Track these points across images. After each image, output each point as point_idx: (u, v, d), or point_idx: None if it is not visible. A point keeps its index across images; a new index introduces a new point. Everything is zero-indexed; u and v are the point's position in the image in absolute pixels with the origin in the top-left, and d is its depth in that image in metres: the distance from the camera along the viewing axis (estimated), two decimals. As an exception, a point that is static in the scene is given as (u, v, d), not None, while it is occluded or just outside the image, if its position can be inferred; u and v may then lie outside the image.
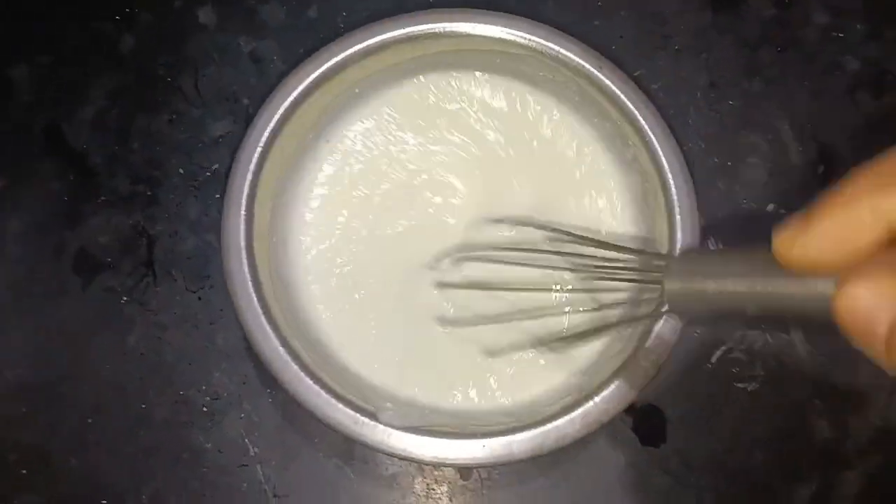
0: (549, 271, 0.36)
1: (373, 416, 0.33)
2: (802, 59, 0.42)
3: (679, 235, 0.35)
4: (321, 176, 0.38)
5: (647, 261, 0.33)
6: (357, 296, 0.37)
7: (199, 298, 0.39)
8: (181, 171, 0.40)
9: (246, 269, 0.34)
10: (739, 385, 0.38)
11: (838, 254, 0.19)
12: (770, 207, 0.40)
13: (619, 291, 0.35)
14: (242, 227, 0.35)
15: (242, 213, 0.35)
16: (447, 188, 0.38)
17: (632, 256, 0.32)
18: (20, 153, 0.41)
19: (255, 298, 0.34)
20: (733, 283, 0.23)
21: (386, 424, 0.33)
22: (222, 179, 0.40)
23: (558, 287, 0.37)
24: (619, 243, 0.33)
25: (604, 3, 0.43)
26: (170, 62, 0.42)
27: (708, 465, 0.37)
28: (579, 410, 0.33)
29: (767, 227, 0.40)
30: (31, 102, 0.41)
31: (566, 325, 0.36)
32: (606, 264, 0.32)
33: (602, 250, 0.32)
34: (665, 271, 0.26)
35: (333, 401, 0.33)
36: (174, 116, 0.41)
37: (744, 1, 0.43)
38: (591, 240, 0.33)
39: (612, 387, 0.33)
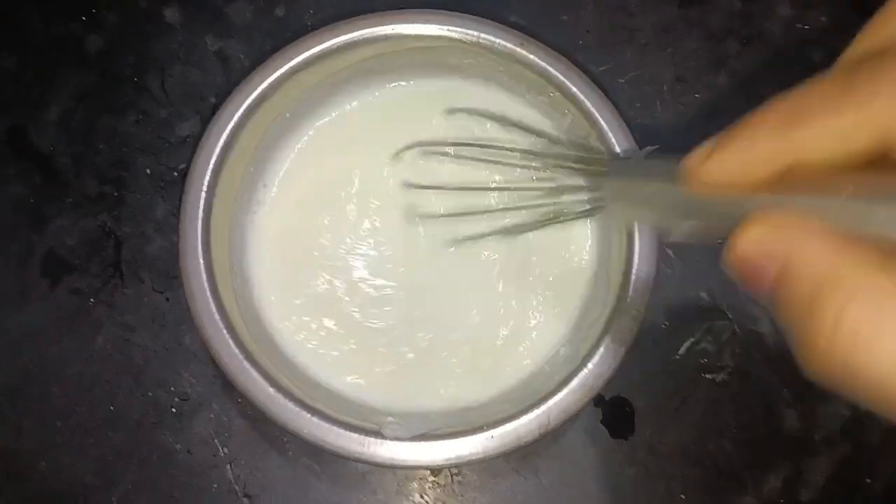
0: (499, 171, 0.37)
1: (377, 433, 0.33)
2: (768, 51, 0.43)
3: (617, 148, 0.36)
4: (277, 177, 0.39)
5: (591, 158, 0.34)
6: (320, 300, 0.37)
7: (167, 299, 0.39)
8: (148, 171, 0.40)
9: (205, 280, 0.34)
10: (708, 376, 0.39)
11: (741, 181, 0.19)
12: (737, 199, 0.41)
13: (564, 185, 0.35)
14: (199, 229, 0.34)
15: (200, 214, 0.35)
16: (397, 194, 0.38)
17: (578, 153, 0.34)
18: (-15, 156, 0.41)
19: (222, 328, 0.33)
20: (662, 186, 0.23)
21: (393, 439, 0.33)
22: (189, 179, 0.40)
23: (511, 185, 0.37)
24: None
25: (570, -2, 0.43)
26: (136, 62, 0.42)
27: (677, 455, 0.38)
28: (576, 380, 0.33)
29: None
30: (-4, 104, 0.41)
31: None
32: (554, 160, 0.34)
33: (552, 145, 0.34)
34: (608, 167, 0.28)
35: (339, 429, 0.33)
36: (141, 117, 0.41)
37: (709, -5, 0.43)
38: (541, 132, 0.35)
39: (602, 349, 0.33)
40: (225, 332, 0.33)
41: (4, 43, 0.42)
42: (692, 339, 0.39)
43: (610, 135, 0.36)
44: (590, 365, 0.33)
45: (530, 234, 0.37)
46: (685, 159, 0.21)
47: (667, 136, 0.41)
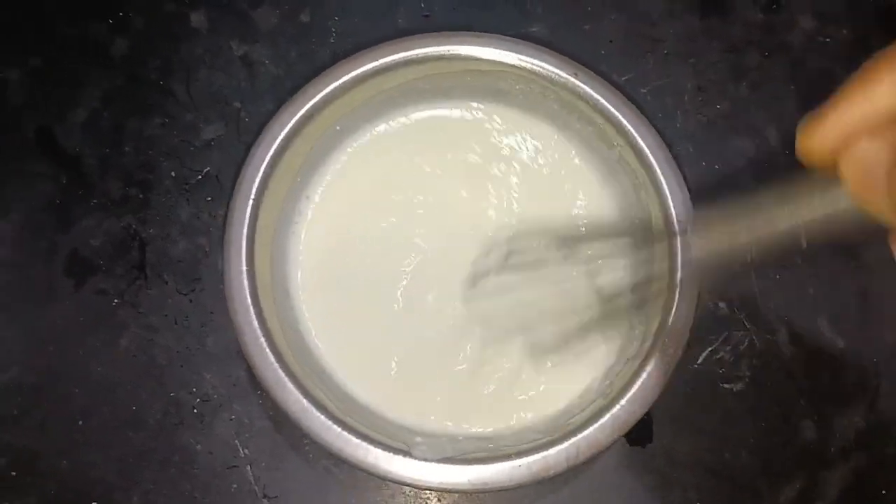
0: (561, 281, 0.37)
1: (406, 453, 0.33)
2: (789, 63, 0.43)
3: (675, 218, 0.36)
4: (318, 197, 0.39)
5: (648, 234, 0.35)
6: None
7: (191, 301, 0.40)
8: (173, 174, 0.41)
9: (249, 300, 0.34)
10: (725, 385, 0.39)
11: (855, 133, 0.21)
12: (757, 210, 0.41)
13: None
14: (244, 239, 0.35)
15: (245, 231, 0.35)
16: (440, 214, 0.39)
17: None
18: (12, 155, 0.42)
19: (258, 328, 0.34)
20: (760, 218, 0.25)
21: (421, 460, 0.33)
22: (214, 182, 0.41)
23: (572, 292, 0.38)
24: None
25: (593, 7, 0.44)
26: (162, 66, 0.43)
27: (694, 464, 0.38)
28: (608, 416, 0.34)
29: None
30: (23, 105, 0.42)
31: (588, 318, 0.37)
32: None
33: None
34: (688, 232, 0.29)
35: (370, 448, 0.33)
36: (166, 120, 0.42)
37: (731, 6, 0.44)
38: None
39: (639, 382, 0.34)
40: (263, 340, 0.34)
41: (31, 44, 0.43)
42: (710, 349, 0.40)
43: (656, 167, 0.36)
44: (623, 402, 0.34)
45: (573, 272, 0.37)
46: (801, 130, 0.22)
47: (687, 146, 0.42)
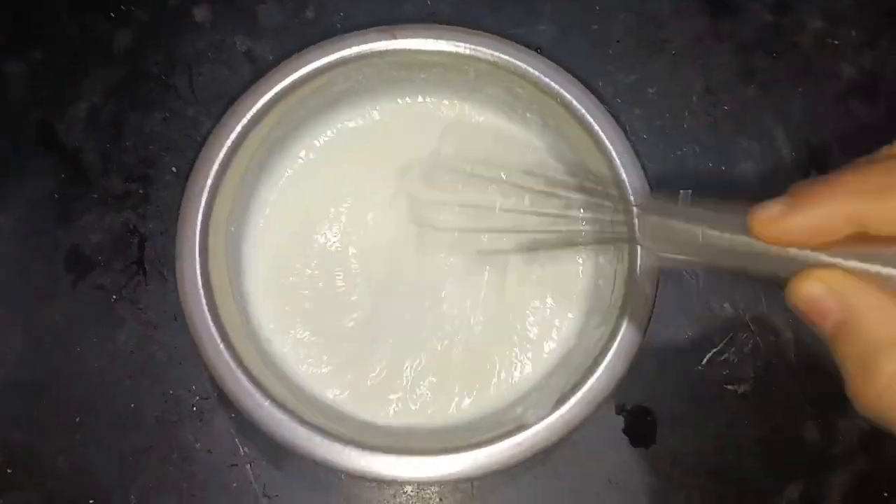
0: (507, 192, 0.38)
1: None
2: (797, 64, 0.44)
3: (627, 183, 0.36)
4: (277, 185, 0.40)
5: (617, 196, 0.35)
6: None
7: (191, 297, 0.40)
8: (174, 169, 0.41)
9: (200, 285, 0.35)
10: (729, 387, 0.39)
11: (810, 242, 0.22)
12: (763, 212, 0.41)
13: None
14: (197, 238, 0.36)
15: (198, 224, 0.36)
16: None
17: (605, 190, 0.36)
18: (11, 150, 0.42)
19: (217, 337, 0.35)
20: (705, 232, 0.25)
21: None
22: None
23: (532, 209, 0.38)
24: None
25: (601, 7, 0.44)
26: (164, 60, 0.43)
27: (697, 465, 0.39)
28: (604, 363, 0.34)
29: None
30: (24, 99, 0.42)
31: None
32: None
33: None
34: (639, 205, 0.29)
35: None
36: (168, 115, 0.42)
37: (740, 7, 0.44)
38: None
39: (623, 330, 0.35)
40: (225, 353, 0.34)
41: (33, 37, 0.43)
42: (714, 350, 0.40)
43: (615, 157, 0.37)
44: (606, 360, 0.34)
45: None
46: (755, 213, 0.23)
47: (694, 147, 0.42)
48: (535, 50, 0.43)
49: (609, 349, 0.35)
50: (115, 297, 0.40)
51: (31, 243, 0.40)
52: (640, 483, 0.39)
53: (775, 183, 0.42)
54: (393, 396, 0.38)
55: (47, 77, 0.43)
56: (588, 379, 0.34)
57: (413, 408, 0.38)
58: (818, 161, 0.42)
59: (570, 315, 0.39)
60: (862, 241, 0.21)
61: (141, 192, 0.41)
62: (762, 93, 0.43)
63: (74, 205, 0.41)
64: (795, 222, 0.22)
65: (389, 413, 0.37)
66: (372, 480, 0.36)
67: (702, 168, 0.42)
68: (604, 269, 0.38)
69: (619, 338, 0.35)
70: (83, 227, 0.41)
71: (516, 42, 0.38)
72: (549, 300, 0.39)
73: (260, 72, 0.42)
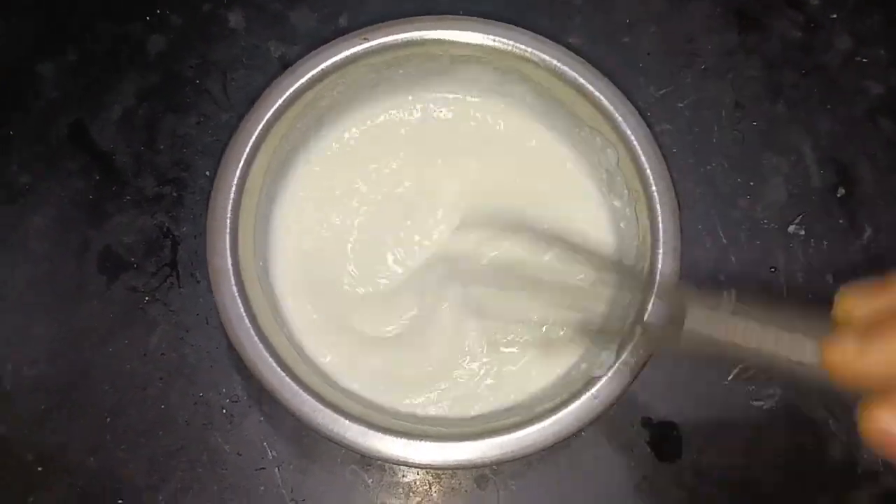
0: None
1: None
2: (826, 82, 0.45)
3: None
4: (302, 187, 0.41)
5: (665, 288, 0.35)
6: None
7: (222, 301, 0.41)
8: (207, 173, 0.43)
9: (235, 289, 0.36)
10: (755, 403, 0.40)
11: (883, 379, 0.22)
12: (791, 228, 0.43)
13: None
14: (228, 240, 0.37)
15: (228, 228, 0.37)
16: (431, 198, 0.41)
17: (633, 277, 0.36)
18: (45, 150, 0.43)
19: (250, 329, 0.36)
20: (768, 350, 0.25)
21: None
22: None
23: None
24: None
25: (632, 20, 0.45)
26: (198, 65, 0.44)
27: (723, 480, 0.40)
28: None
29: (787, 249, 0.42)
30: (58, 99, 0.44)
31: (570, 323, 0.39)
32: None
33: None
34: (688, 309, 0.27)
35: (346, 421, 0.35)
36: (202, 119, 0.43)
37: (769, 24, 0.45)
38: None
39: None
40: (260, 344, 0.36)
41: (67, 39, 0.44)
42: (741, 366, 0.41)
43: (648, 171, 0.38)
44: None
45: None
46: (828, 350, 0.22)
47: (722, 161, 0.43)
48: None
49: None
50: (147, 298, 0.41)
51: (64, 244, 0.42)
52: (665, 497, 0.40)
53: (803, 200, 0.43)
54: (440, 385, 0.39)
55: (81, 79, 0.44)
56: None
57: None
58: (846, 178, 0.43)
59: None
60: None
61: (174, 194, 0.42)
62: (790, 109, 0.44)
63: (107, 206, 0.42)
64: (872, 364, 0.21)
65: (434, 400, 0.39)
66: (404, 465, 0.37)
67: (730, 183, 0.43)
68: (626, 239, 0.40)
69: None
70: (116, 229, 0.42)
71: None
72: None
73: (293, 78, 0.44)
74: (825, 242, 0.43)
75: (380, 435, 0.35)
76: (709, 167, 0.43)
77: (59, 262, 0.41)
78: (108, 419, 0.40)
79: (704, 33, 0.45)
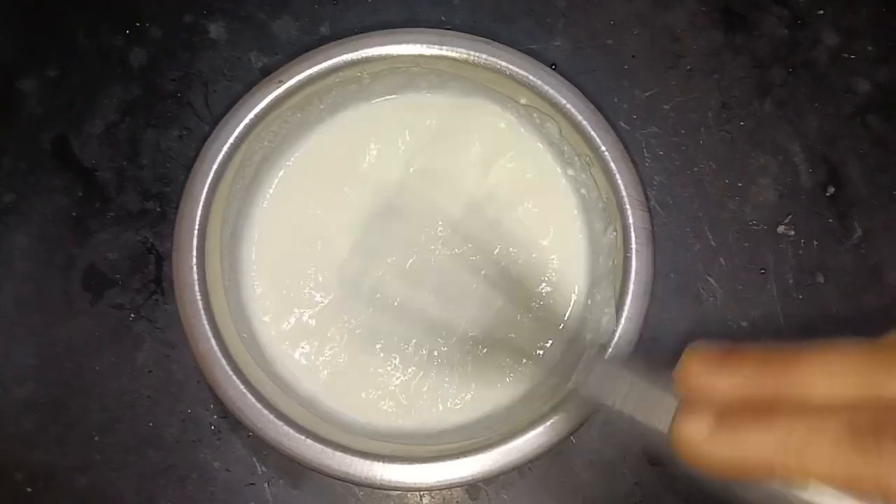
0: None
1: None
2: (813, 80, 0.45)
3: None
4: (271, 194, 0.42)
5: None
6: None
7: (209, 316, 0.41)
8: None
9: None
10: (748, 407, 0.41)
11: (732, 472, 0.21)
12: (780, 229, 0.43)
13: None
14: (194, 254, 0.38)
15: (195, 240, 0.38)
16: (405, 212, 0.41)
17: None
18: (28, 167, 0.43)
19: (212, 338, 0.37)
20: (631, 417, 0.24)
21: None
22: (232, 196, 0.42)
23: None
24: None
25: (616, 21, 0.45)
26: (180, 77, 0.44)
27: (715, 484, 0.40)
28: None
29: (776, 250, 0.42)
30: (40, 115, 0.44)
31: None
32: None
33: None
34: (583, 367, 0.27)
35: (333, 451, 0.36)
36: (184, 132, 0.44)
37: (755, 21, 0.46)
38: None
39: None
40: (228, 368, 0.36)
41: (48, 54, 0.45)
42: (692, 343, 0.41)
43: (593, 133, 0.39)
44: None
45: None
46: (677, 426, 0.21)
47: (710, 163, 0.44)
48: (550, 66, 0.44)
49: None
50: (132, 315, 0.41)
51: (48, 261, 0.42)
52: (658, 502, 0.40)
53: (792, 200, 0.43)
54: (412, 399, 0.39)
55: (62, 94, 0.44)
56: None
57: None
58: (835, 177, 0.44)
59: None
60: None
61: (158, 210, 0.43)
62: (778, 108, 0.45)
63: (91, 222, 0.42)
64: (722, 454, 0.21)
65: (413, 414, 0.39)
66: (393, 489, 0.37)
67: (718, 184, 0.43)
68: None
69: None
70: (100, 245, 0.42)
71: (533, 57, 0.40)
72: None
73: (276, 89, 0.44)
74: (815, 243, 0.43)
75: (368, 462, 0.35)
76: (696, 169, 0.44)
77: (43, 280, 0.42)
78: (97, 437, 0.40)
79: (690, 33, 0.45)
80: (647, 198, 0.38)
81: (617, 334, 0.37)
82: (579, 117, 0.39)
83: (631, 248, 0.37)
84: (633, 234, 0.37)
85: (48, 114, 0.44)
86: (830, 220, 0.43)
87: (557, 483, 0.40)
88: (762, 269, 0.42)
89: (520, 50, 0.41)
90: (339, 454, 0.36)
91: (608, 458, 0.40)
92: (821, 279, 0.42)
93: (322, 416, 0.38)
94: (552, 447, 0.36)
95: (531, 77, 0.40)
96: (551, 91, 0.39)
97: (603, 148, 0.38)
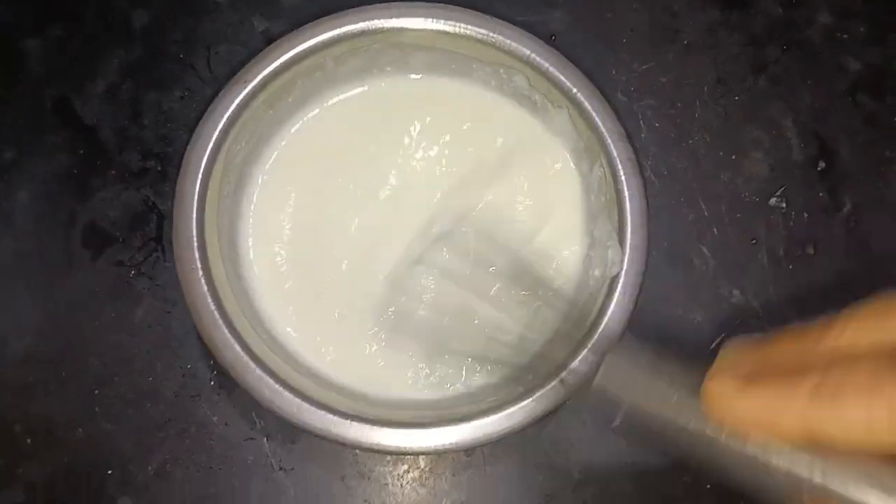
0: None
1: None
2: (807, 58, 0.47)
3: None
4: (268, 166, 0.42)
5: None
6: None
7: (209, 274, 0.42)
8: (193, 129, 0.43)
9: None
10: (737, 372, 0.42)
11: (765, 429, 0.21)
12: (772, 201, 0.44)
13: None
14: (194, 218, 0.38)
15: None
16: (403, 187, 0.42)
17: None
18: (30, 125, 0.44)
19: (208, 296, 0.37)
20: (681, 406, 0.24)
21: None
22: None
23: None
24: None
25: (615, -4, 0.47)
26: (182, 39, 0.45)
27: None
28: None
29: (768, 221, 0.44)
30: (42, 75, 0.45)
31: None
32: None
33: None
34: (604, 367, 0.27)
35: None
36: (186, 93, 0.44)
37: (752, 1, 0.47)
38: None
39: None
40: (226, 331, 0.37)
41: (51, 14, 0.45)
42: (724, 335, 0.43)
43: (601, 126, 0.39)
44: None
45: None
46: (709, 382, 0.22)
47: (704, 136, 0.45)
48: (550, 37, 0.45)
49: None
50: (133, 272, 0.42)
51: (50, 218, 0.43)
52: (650, 462, 0.41)
53: (784, 173, 0.45)
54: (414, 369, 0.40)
55: (65, 54, 0.45)
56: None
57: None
58: (826, 151, 0.45)
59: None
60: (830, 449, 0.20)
61: (159, 169, 0.43)
62: (772, 85, 0.46)
63: (92, 181, 0.43)
64: (752, 402, 0.21)
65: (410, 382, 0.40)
66: (385, 453, 0.38)
67: (712, 157, 0.45)
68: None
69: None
70: (101, 204, 0.43)
71: (531, 30, 0.41)
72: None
73: (279, 53, 0.45)
74: (806, 215, 0.44)
75: (367, 427, 0.36)
76: (691, 141, 0.45)
77: (44, 236, 0.43)
78: (96, 391, 0.41)
79: (687, 10, 0.47)
80: (626, 132, 0.39)
81: (625, 264, 0.37)
82: (546, 64, 0.39)
83: (620, 180, 0.38)
84: (619, 166, 0.38)
85: (50, 73, 0.45)
86: (821, 194, 0.45)
87: (550, 447, 0.41)
88: (753, 239, 0.44)
89: (518, 22, 0.42)
90: (337, 419, 0.36)
91: (599, 424, 0.42)
92: (810, 250, 0.44)
93: (320, 383, 0.39)
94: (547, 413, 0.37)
95: (491, 34, 0.40)
96: (513, 44, 0.40)
97: (574, 90, 0.39)
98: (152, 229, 0.43)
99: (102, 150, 0.44)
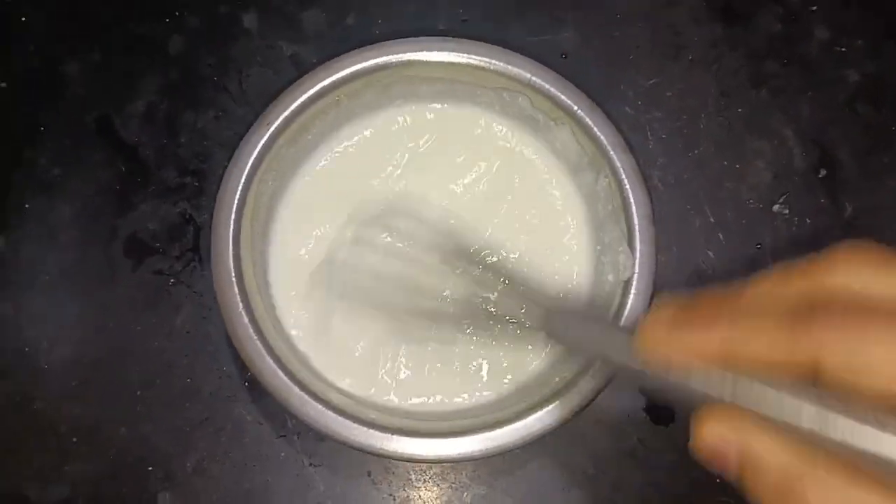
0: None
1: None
2: (806, 71, 0.49)
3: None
4: (293, 196, 0.45)
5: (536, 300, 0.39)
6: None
7: (243, 282, 0.45)
8: (226, 164, 0.47)
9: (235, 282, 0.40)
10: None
11: (690, 358, 0.24)
12: (775, 208, 0.47)
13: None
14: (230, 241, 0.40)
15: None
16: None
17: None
18: (74, 144, 0.47)
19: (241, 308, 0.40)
20: (613, 344, 0.28)
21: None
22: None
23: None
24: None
25: (622, 15, 0.50)
26: (216, 63, 0.49)
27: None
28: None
29: (772, 226, 0.46)
30: (84, 96, 0.48)
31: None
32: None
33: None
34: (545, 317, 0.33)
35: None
36: (220, 113, 0.48)
37: (752, 17, 0.50)
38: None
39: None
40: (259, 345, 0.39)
41: (92, 40, 0.49)
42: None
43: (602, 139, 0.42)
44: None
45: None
46: (642, 325, 0.25)
47: (710, 146, 0.48)
48: (562, 55, 0.48)
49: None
50: (172, 281, 0.45)
51: (93, 231, 0.46)
52: (660, 459, 0.44)
53: (786, 180, 0.47)
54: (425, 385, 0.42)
55: (106, 77, 0.48)
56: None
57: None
58: (826, 160, 0.48)
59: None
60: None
61: (196, 184, 0.47)
62: (773, 96, 0.49)
63: (133, 196, 0.47)
64: (678, 337, 0.24)
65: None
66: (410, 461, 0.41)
67: (716, 166, 0.48)
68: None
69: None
70: (141, 217, 0.46)
71: (544, 49, 0.44)
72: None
73: (304, 74, 0.48)
74: (808, 220, 0.47)
75: (389, 435, 0.38)
76: (696, 151, 0.48)
77: (87, 248, 0.46)
78: (138, 392, 0.44)
79: (690, 27, 0.50)
80: (628, 142, 0.42)
81: (636, 265, 0.40)
82: (547, 86, 0.42)
83: (625, 188, 0.41)
84: (623, 175, 0.41)
85: (91, 95, 0.48)
86: (822, 200, 0.47)
87: (562, 438, 0.44)
88: (758, 244, 0.46)
89: (531, 42, 0.45)
90: (357, 427, 0.39)
91: (613, 417, 0.44)
92: (813, 254, 0.46)
93: (343, 392, 0.42)
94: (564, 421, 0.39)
95: (494, 61, 0.43)
96: (515, 69, 0.42)
97: (575, 107, 0.42)
98: (189, 240, 0.46)
99: (142, 166, 0.47)
